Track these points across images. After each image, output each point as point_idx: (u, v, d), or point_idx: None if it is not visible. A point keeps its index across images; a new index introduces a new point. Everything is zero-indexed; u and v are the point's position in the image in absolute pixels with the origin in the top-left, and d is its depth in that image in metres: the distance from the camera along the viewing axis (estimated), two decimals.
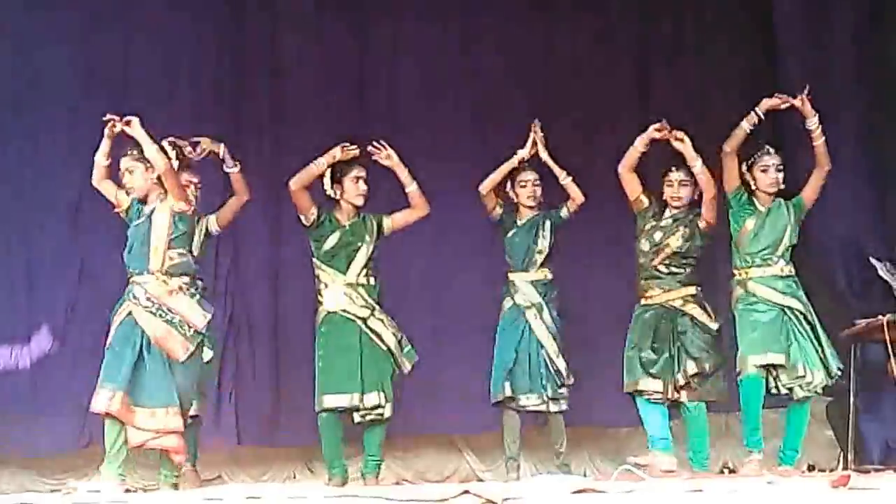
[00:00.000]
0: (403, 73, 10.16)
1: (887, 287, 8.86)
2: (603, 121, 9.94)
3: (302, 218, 8.00)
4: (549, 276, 8.44)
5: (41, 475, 9.45)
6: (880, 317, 8.13)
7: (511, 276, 8.43)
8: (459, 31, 10.23)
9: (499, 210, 8.46)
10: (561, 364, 8.28)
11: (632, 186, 7.95)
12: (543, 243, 8.41)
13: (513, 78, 10.14)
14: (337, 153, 7.96)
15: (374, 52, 10.19)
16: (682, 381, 7.75)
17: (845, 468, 7.33)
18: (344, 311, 7.93)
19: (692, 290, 7.93)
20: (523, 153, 8.39)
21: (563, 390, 8.31)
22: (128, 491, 6.86)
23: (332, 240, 8.02)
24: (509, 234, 8.47)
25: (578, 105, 10.07)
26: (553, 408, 8.28)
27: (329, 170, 8.01)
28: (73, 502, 5.57)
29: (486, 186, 8.41)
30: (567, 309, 8.65)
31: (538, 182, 8.43)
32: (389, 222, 8.17)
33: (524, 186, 8.43)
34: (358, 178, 8.07)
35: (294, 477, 9.50)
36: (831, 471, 7.44)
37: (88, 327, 8.98)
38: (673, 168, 7.99)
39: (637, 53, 10.29)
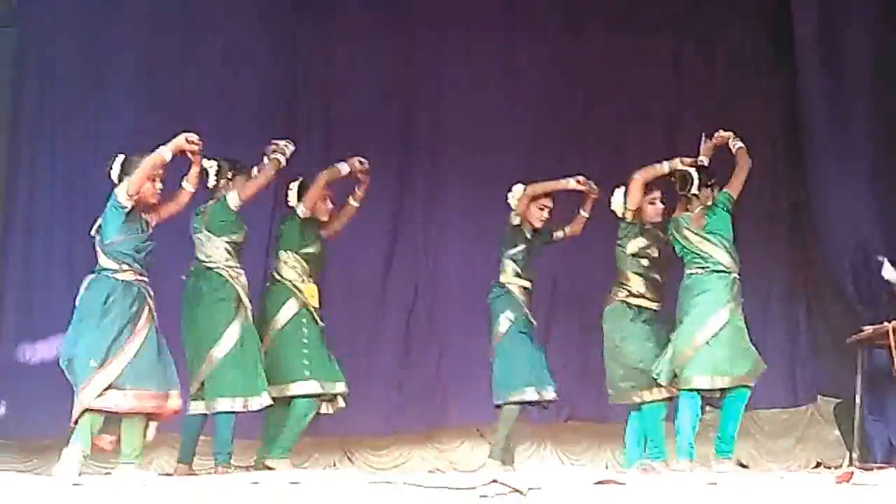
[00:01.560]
0: (448, 90, 10.20)
1: (891, 290, 8.85)
2: (634, 137, 9.99)
3: (308, 212, 7.96)
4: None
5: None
6: (886, 323, 8.11)
7: (509, 285, 8.24)
8: (504, 47, 10.28)
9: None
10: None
11: (635, 197, 7.91)
12: (537, 260, 8.37)
13: (552, 95, 10.19)
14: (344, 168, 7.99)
15: (421, 66, 10.25)
16: None
17: (850, 465, 7.31)
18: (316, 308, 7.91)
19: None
20: (573, 184, 8.28)
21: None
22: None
23: (314, 247, 7.98)
24: (514, 251, 8.27)
25: (612, 117, 10.14)
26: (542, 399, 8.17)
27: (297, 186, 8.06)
28: (120, 484, 5.57)
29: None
30: (590, 309, 8.68)
31: (552, 207, 8.34)
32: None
33: (542, 209, 8.30)
34: (325, 196, 8.06)
35: (334, 465, 9.54)
36: (837, 468, 7.42)
37: None
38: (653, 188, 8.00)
39: (670, 72, 10.32)
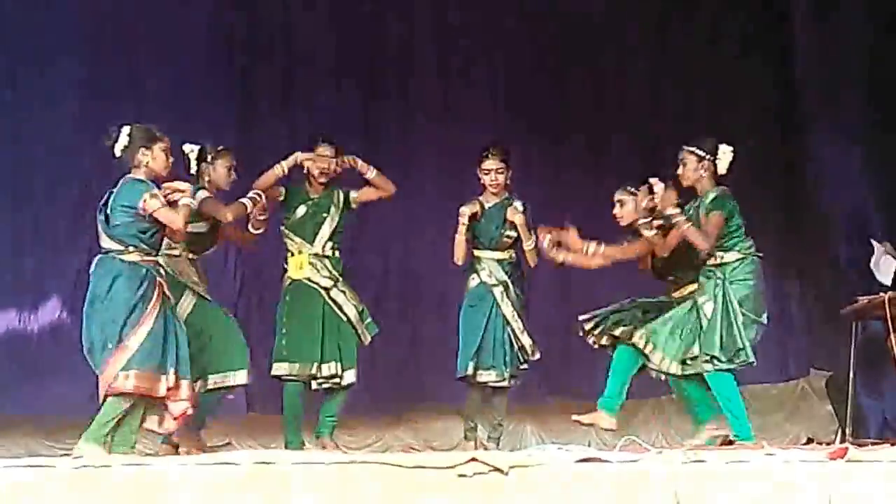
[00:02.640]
0: (417, 51, 10.21)
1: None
2: (614, 100, 10.03)
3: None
4: (515, 257, 8.41)
5: (50, 439, 9.52)
6: (881, 294, 8.14)
7: (477, 253, 8.35)
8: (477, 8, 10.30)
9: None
10: (526, 340, 8.29)
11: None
12: (510, 230, 8.35)
13: (527, 59, 10.20)
14: (299, 157, 8.05)
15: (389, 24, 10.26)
16: None
17: (843, 442, 7.35)
18: (308, 279, 8.07)
19: None
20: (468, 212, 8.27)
21: (525, 366, 8.37)
22: None
23: (299, 211, 8.17)
24: (479, 219, 8.36)
25: (591, 82, 10.17)
26: (507, 383, 8.29)
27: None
28: (83, 465, 5.58)
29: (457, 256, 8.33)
30: (570, 282, 8.72)
31: (501, 170, 8.34)
32: (356, 195, 8.27)
33: (487, 174, 8.36)
34: (320, 155, 8.15)
35: (304, 445, 9.54)
36: (829, 444, 7.47)
37: None
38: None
39: (654, 32, 10.34)
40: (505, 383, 8.24)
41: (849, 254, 9.48)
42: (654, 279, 8.04)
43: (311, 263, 8.12)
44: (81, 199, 9.51)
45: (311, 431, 8.20)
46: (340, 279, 8.19)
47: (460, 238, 8.23)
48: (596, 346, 8.01)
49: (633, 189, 7.97)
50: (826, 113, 9.72)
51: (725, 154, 7.57)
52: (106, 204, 6.87)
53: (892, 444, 6.22)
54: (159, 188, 6.91)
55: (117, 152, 6.93)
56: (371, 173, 8.23)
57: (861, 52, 9.78)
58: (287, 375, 8.01)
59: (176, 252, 7.57)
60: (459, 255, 8.26)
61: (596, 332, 7.97)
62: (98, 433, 6.70)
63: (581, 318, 8.02)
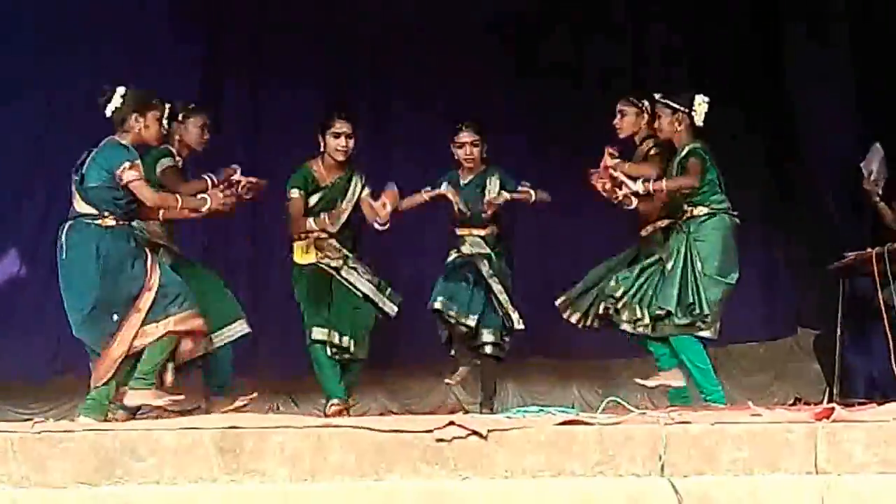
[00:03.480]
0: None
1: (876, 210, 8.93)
2: (595, 64, 10.05)
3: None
4: (498, 231, 8.48)
5: (9, 404, 9.45)
6: (869, 249, 8.19)
7: (458, 230, 8.46)
8: None
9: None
10: (512, 311, 8.34)
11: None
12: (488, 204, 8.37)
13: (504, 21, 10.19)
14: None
15: None
16: None
17: (831, 401, 7.41)
18: (316, 263, 8.09)
19: None
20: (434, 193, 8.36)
21: (508, 338, 8.44)
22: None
23: (313, 199, 8.18)
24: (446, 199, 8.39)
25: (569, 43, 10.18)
26: (491, 350, 8.38)
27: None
28: (42, 430, 5.59)
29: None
30: (554, 238, 8.75)
31: (476, 143, 8.40)
32: (364, 195, 8.22)
33: (461, 147, 8.42)
34: (339, 133, 8.14)
35: (278, 409, 9.58)
36: (817, 404, 7.53)
37: None
38: None
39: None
40: (472, 323, 8.27)
41: (837, 208, 9.51)
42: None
43: (316, 246, 8.10)
44: (35, 151, 9.45)
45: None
46: (350, 256, 8.19)
47: (419, 198, 8.31)
48: (584, 328, 8.13)
49: (635, 101, 8.01)
50: (811, 62, 9.72)
51: (701, 105, 7.60)
52: (83, 164, 6.83)
53: (879, 404, 6.26)
54: (142, 159, 6.90)
55: (108, 112, 6.90)
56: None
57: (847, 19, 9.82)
58: (313, 339, 8.04)
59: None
60: (404, 205, 8.27)
61: (575, 314, 8.06)
62: (148, 378, 6.80)
63: (557, 302, 8.16)
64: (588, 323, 8.06)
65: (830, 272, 8.89)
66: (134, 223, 7.07)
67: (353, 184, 8.25)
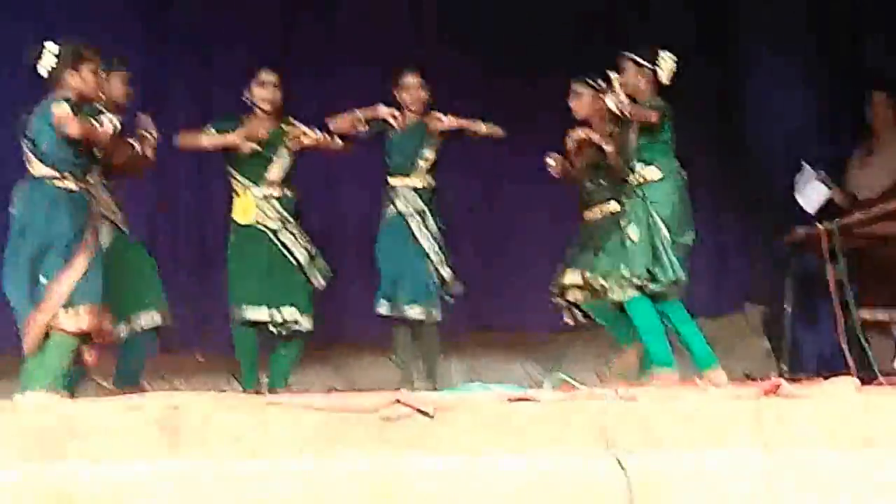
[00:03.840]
0: None
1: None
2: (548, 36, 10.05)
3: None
4: (433, 184, 8.45)
5: None
6: (819, 224, 8.25)
7: (391, 181, 8.43)
8: None
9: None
10: (446, 272, 8.36)
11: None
12: (429, 151, 8.42)
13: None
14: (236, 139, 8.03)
15: None
16: None
17: (779, 377, 7.47)
18: (256, 222, 8.05)
19: None
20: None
21: (448, 299, 8.44)
22: None
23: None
24: (391, 137, 8.43)
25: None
26: (429, 318, 8.34)
27: None
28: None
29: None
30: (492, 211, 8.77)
31: (422, 85, 8.41)
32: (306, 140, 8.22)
33: (407, 91, 8.41)
34: (264, 82, 8.14)
35: (222, 389, 9.56)
36: (764, 380, 7.58)
37: None
38: None
39: None
40: (424, 317, 8.28)
41: (786, 184, 9.56)
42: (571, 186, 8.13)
43: (257, 206, 8.08)
44: None
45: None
46: (291, 221, 8.16)
47: (357, 114, 8.34)
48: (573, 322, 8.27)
49: (591, 81, 8.04)
50: (760, 35, 9.79)
51: (667, 62, 7.61)
52: (30, 128, 6.77)
53: (825, 379, 6.34)
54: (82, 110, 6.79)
55: (42, 72, 6.81)
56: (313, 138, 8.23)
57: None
58: (248, 321, 8.03)
59: (91, 180, 7.46)
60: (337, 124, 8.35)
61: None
62: (47, 377, 6.60)
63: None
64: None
65: (779, 248, 8.95)
66: (91, 190, 6.98)
67: (287, 139, 8.21)
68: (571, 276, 8.08)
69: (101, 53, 7.08)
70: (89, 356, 6.87)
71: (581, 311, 8.23)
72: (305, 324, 8.11)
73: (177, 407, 5.39)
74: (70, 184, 6.73)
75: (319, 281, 8.23)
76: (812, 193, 8.90)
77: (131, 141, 7.47)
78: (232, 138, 8.02)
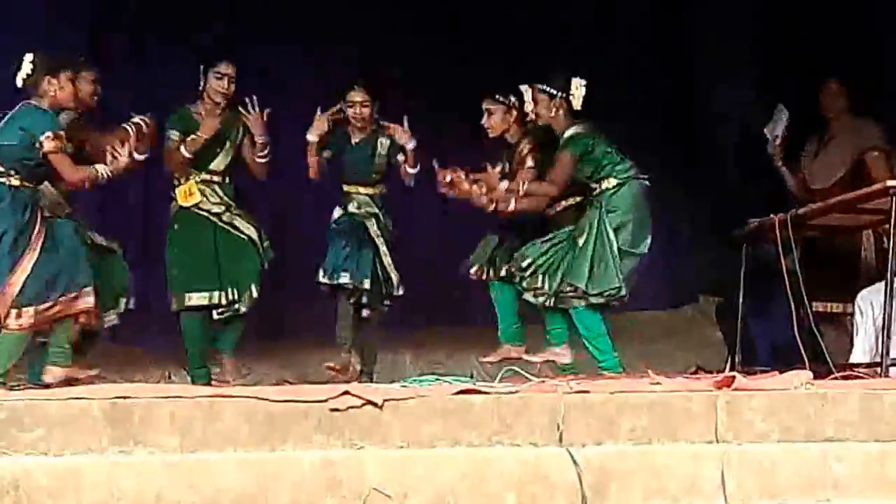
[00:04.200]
0: None
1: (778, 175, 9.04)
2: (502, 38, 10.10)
3: None
4: (384, 191, 8.56)
5: None
6: (772, 216, 8.28)
7: (346, 188, 8.51)
8: None
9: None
10: (393, 274, 8.41)
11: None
12: (380, 163, 8.50)
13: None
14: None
15: None
16: None
17: (732, 370, 7.51)
18: (197, 207, 8.09)
19: None
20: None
21: (388, 302, 8.48)
22: None
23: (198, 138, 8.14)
24: (344, 154, 8.54)
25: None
26: (367, 314, 8.43)
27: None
28: None
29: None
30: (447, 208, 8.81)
31: (367, 103, 8.42)
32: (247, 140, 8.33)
33: (351, 107, 8.44)
34: (222, 74, 8.15)
35: (169, 378, 9.53)
36: (719, 372, 7.62)
37: None
38: None
39: None
40: (366, 287, 8.30)
41: (739, 174, 9.62)
42: None
43: (199, 190, 8.10)
44: None
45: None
46: (233, 205, 8.22)
47: (312, 160, 8.39)
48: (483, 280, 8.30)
49: (501, 98, 8.09)
50: (711, 23, 9.84)
51: (578, 89, 7.71)
52: None
53: (781, 372, 6.36)
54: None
55: (19, 82, 6.94)
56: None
57: None
58: (188, 307, 8.08)
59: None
60: (314, 173, 8.45)
61: (477, 268, 8.20)
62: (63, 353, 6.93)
63: (470, 273, 8.31)
64: (487, 276, 8.18)
65: (732, 239, 8.98)
66: (40, 187, 7.06)
67: (235, 130, 8.28)
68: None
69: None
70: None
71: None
72: (244, 307, 8.18)
73: (124, 398, 5.36)
74: (14, 181, 6.81)
75: (267, 257, 8.32)
76: (777, 117, 8.94)
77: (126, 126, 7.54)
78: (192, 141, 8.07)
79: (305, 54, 10.10)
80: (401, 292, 8.46)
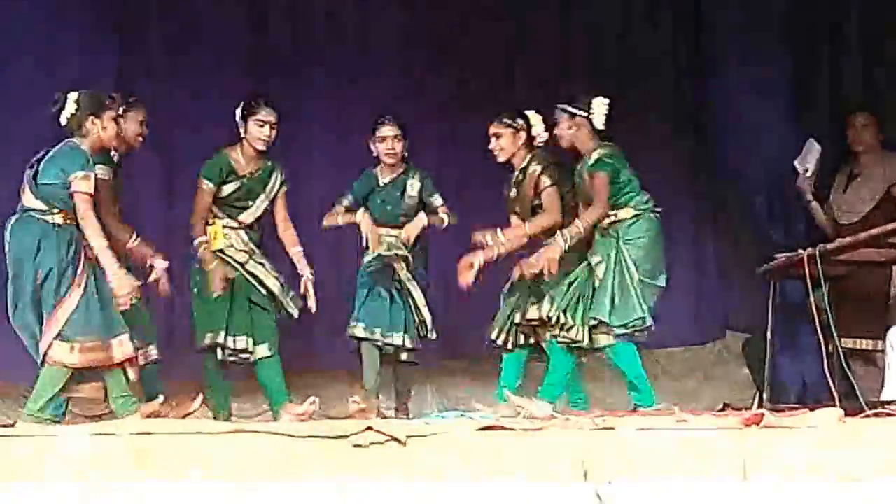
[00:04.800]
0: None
1: (807, 211, 8.99)
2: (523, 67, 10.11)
3: None
4: (417, 233, 8.44)
5: None
6: (800, 251, 8.24)
7: (379, 229, 8.42)
8: None
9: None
10: (426, 315, 8.36)
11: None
12: (410, 204, 8.45)
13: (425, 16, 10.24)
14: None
15: None
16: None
17: (760, 407, 7.46)
18: (223, 252, 8.04)
19: None
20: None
21: (419, 343, 8.44)
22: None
23: (229, 188, 8.10)
24: (373, 194, 8.48)
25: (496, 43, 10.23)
26: (406, 356, 8.40)
27: (241, 106, 8.11)
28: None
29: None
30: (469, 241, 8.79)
31: (399, 137, 8.38)
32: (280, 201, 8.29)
33: (383, 141, 8.39)
34: (263, 122, 8.07)
35: (230, 413, 9.52)
36: (746, 410, 7.58)
37: None
38: None
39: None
40: (399, 342, 8.30)
41: (766, 209, 9.57)
42: None
43: (225, 235, 8.06)
44: None
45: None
46: (257, 251, 8.15)
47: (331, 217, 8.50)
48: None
49: (509, 121, 8.06)
50: (737, 59, 9.81)
51: (600, 108, 7.72)
52: (39, 160, 6.88)
53: (811, 410, 6.31)
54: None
55: (63, 120, 6.94)
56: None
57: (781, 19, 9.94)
58: (201, 346, 8.04)
59: None
60: (329, 222, 8.56)
61: (508, 341, 8.17)
62: (33, 407, 6.79)
63: (489, 339, 8.28)
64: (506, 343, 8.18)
65: (759, 275, 8.93)
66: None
67: (273, 178, 8.21)
68: (534, 312, 8.04)
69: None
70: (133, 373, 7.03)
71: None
72: (261, 352, 8.08)
73: (147, 433, 5.36)
74: (57, 218, 6.82)
75: (294, 310, 8.22)
76: (809, 153, 8.89)
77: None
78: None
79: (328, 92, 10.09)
80: (433, 336, 8.45)
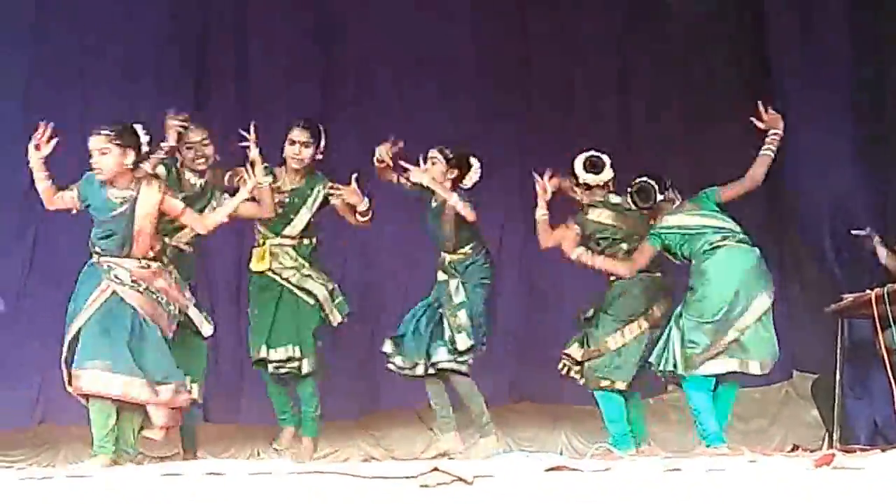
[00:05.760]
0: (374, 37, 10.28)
1: (875, 257, 8.93)
2: (583, 91, 10.13)
3: None
4: (469, 253, 8.37)
5: None
6: (868, 291, 8.19)
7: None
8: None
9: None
10: (460, 340, 8.16)
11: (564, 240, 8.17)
12: (448, 228, 8.35)
13: (488, 48, 10.29)
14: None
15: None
16: None
17: (830, 448, 7.40)
18: (268, 271, 8.15)
19: None
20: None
21: (463, 356, 8.23)
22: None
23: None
24: (426, 219, 8.52)
25: (557, 70, 10.23)
26: (447, 366, 8.25)
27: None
28: (27, 477, 5.59)
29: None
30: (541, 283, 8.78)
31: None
32: (337, 202, 8.32)
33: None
34: (294, 141, 8.19)
35: (258, 455, 9.56)
36: (815, 451, 7.52)
37: (43, 298, 9.00)
38: None
39: (620, 20, 10.42)
40: (420, 371, 8.30)
41: (834, 248, 9.52)
42: None
43: (273, 254, 8.15)
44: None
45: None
46: (306, 265, 8.22)
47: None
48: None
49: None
50: (805, 94, 9.77)
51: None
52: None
53: (882, 451, 6.25)
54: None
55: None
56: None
57: (841, 29, 9.88)
58: (259, 360, 8.18)
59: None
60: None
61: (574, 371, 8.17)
62: (97, 444, 6.88)
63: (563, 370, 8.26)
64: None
65: (827, 315, 8.88)
66: (116, 261, 7.09)
67: (315, 192, 8.28)
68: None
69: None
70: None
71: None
72: (305, 366, 8.13)
73: (214, 474, 5.37)
74: (94, 258, 7.06)
75: (337, 317, 8.29)
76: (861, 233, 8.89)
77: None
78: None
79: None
80: (465, 349, 8.24)
